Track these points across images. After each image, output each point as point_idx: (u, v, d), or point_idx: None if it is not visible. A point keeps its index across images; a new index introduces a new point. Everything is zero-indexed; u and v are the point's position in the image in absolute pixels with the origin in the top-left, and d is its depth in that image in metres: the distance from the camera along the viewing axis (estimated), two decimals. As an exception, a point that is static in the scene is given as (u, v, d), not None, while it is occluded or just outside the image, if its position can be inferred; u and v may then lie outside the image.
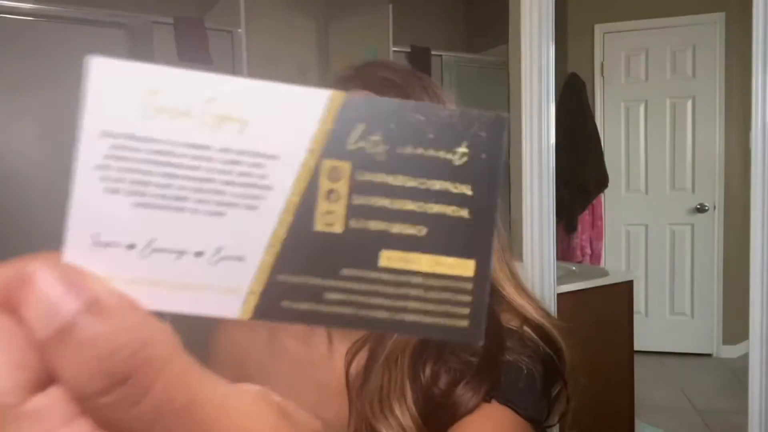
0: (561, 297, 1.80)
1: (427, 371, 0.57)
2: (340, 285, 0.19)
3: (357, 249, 0.19)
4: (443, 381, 0.56)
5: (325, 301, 0.19)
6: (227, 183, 0.18)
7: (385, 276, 0.19)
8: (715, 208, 3.55)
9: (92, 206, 0.18)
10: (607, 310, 2.00)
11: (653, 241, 3.69)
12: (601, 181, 3.49)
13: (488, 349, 0.58)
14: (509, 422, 0.55)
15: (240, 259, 0.19)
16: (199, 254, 0.18)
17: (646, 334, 3.50)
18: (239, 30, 2.34)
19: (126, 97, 0.18)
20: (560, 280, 1.86)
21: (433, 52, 3.02)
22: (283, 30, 2.60)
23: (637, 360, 2.09)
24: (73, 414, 0.16)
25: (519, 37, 1.77)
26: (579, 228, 3.44)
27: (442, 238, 0.19)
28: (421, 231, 0.19)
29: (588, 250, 3.52)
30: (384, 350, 0.58)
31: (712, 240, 3.57)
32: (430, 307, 0.20)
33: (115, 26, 2.08)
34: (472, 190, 0.19)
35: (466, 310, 0.20)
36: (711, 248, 3.57)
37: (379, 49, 2.56)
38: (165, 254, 0.18)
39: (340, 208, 0.19)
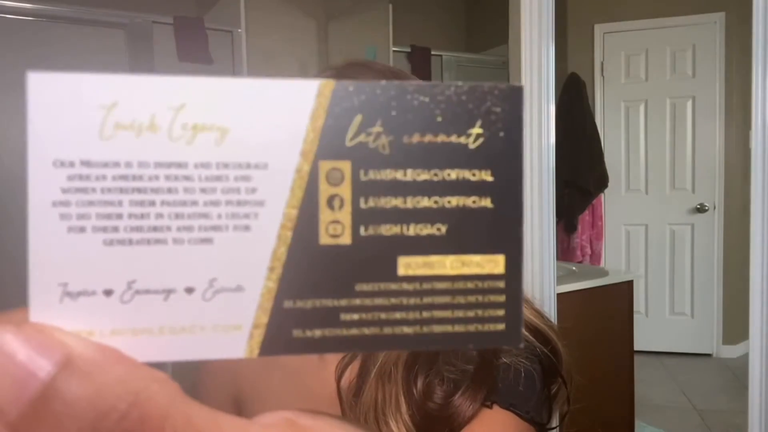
0: (561, 297, 1.79)
1: (419, 384, 0.55)
2: (356, 303, 0.17)
3: (371, 259, 0.17)
4: (438, 394, 0.55)
5: (342, 323, 0.17)
6: (212, 203, 0.16)
7: (407, 286, 0.17)
8: (715, 208, 3.55)
9: (55, 251, 0.15)
10: (607, 310, 2.00)
11: (653, 241, 3.69)
12: (601, 181, 3.49)
13: (483, 354, 0.57)
14: (513, 427, 0.55)
15: (238, 289, 0.16)
16: (189, 290, 0.16)
17: (646, 334, 3.50)
18: (239, 30, 2.35)
19: (78, 116, 0.15)
20: (560, 280, 1.85)
21: (433, 52, 3.03)
22: (283, 30, 2.60)
23: (637, 360, 2.09)
24: None
25: (519, 37, 1.77)
26: (579, 228, 3.44)
27: (465, 234, 0.17)
28: (440, 229, 0.17)
29: (588, 250, 3.52)
30: (376, 363, 0.57)
31: (712, 240, 3.57)
32: (461, 313, 0.18)
33: (115, 26, 2.09)
34: (493, 175, 0.17)
35: (501, 312, 0.18)
36: (711, 248, 3.57)
37: (379, 49, 2.57)
38: (150, 296, 0.16)
39: (345, 215, 0.17)
